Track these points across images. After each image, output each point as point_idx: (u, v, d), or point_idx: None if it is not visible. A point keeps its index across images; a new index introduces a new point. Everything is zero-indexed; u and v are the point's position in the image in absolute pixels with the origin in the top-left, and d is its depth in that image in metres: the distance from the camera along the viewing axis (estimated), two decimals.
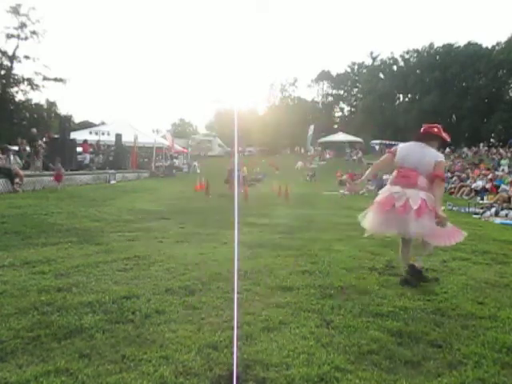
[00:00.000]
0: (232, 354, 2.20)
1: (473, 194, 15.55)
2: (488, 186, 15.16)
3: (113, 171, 19.30)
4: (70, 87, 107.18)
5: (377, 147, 43.83)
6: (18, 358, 2.14)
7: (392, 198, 3.66)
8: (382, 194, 3.88)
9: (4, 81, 34.74)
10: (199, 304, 3.04)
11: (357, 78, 64.57)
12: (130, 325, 2.62)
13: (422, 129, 3.97)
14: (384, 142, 45.56)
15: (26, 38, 35.03)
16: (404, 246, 3.93)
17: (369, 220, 3.83)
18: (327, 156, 43.32)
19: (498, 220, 10.29)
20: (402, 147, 3.95)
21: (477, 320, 2.93)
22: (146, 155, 28.43)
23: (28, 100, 36.46)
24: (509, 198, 12.15)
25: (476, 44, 51.62)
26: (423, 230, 3.56)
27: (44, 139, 17.51)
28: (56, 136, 17.42)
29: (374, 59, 62.34)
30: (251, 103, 62.82)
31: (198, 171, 29.21)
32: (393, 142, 45.32)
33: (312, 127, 42.56)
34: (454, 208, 12.11)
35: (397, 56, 58.59)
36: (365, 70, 62.82)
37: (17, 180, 11.31)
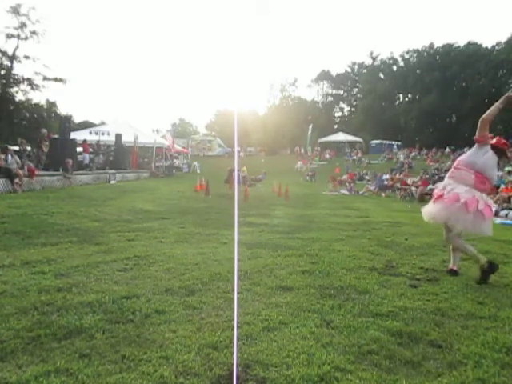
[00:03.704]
0: (232, 353, 2.20)
1: None
2: None
3: (113, 171, 19.31)
4: (70, 87, 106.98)
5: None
6: (18, 358, 2.14)
7: (476, 201, 4.03)
8: (466, 193, 4.07)
9: (4, 81, 34.61)
10: (199, 304, 3.04)
11: (357, 78, 64.56)
12: (130, 325, 2.62)
13: (497, 141, 4.22)
14: (384, 142, 45.62)
15: (26, 38, 34.90)
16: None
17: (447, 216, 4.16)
18: (327, 156, 43.35)
19: (498, 220, 10.30)
20: (484, 157, 4.15)
21: (477, 320, 2.93)
22: (146, 155, 28.45)
23: (28, 100, 36.31)
24: (509, 197, 12.15)
25: (476, 44, 51.66)
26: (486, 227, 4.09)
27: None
28: (56, 136, 17.41)
29: (373, 59, 62.37)
30: (251, 103, 62.84)
31: (198, 171, 29.23)
32: (393, 142, 45.55)
33: (311, 127, 42.55)
34: None
35: (397, 56, 58.69)
36: (365, 70, 62.81)
37: (17, 180, 11.32)
